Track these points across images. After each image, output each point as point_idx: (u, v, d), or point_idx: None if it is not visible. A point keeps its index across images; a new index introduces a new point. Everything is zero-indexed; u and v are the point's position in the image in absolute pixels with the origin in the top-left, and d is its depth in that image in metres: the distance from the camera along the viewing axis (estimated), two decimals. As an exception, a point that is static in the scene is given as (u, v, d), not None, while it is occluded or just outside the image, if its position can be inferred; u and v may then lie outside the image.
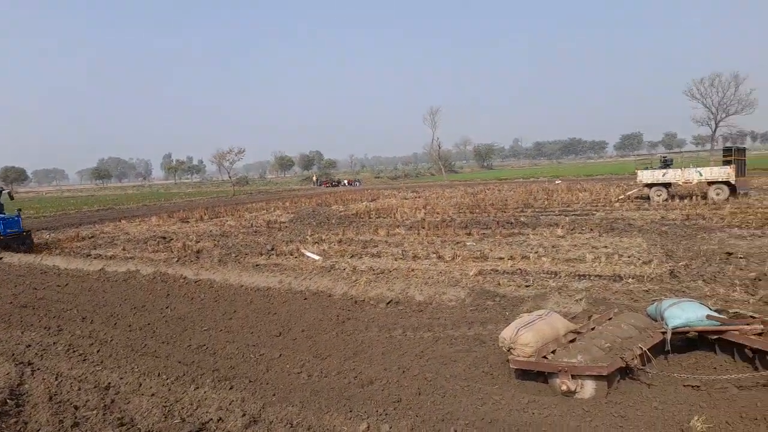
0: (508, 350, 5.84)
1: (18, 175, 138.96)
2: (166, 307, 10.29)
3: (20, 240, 19.48)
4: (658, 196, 24.87)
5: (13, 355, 7.65)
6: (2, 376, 6.76)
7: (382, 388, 5.92)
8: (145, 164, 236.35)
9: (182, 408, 5.67)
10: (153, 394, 6.05)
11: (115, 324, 9.35)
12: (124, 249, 18.43)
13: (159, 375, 6.64)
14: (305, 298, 10.32)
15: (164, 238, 20.85)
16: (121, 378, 6.61)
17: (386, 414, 5.21)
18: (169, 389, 6.18)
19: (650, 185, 25.56)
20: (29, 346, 8.10)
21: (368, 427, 4.94)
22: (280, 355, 7.25)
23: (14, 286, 13.10)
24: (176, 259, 15.14)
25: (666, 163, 26.92)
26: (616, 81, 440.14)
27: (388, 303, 9.54)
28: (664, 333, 6.03)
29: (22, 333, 8.86)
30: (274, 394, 5.88)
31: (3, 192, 20.30)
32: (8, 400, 5.98)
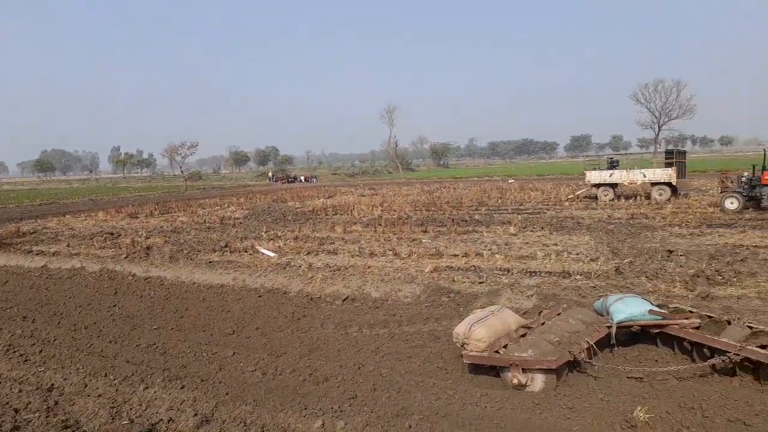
0: (462, 345, 5.96)
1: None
2: (114, 305, 9.95)
3: None
4: (605, 195, 25.83)
5: (-54, 356, 7.23)
6: (-67, 379, 6.39)
7: (338, 384, 5.93)
8: (91, 157, 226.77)
9: (131, 409, 5.51)
10: (100, 395, 5.85)
11: (59, 323, 8.97)
12: (68, 245, 17.64)
13: (106, 375, 6.43)
14: (260, 296, 10.19)
15: (112, 233, 20.09)
16: (66, 379, 6.36)
17: (341, 411, 5.22)
18: (117, 390, 5.99)
19: (598, 185, 26.51)
20: (-36, 347, 7.67)
21: (323, 424, 4.94)
22: (234, 353, 7.14)
23: (-53, 283, 12.36)
24: (125, 256, 14.63)
25: (612, 165, 28.05)
26: (567, 83, 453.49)
27: (344, 300, 9.54)
28: (609, 327, 6.30)
29: (-44, 333, 8.38)
30: (227, 393, 5.79)
31: None
32: (-60, 405, 5.66)
